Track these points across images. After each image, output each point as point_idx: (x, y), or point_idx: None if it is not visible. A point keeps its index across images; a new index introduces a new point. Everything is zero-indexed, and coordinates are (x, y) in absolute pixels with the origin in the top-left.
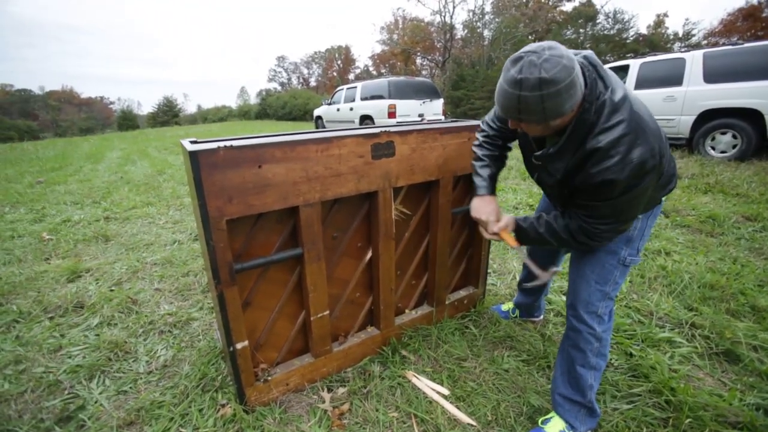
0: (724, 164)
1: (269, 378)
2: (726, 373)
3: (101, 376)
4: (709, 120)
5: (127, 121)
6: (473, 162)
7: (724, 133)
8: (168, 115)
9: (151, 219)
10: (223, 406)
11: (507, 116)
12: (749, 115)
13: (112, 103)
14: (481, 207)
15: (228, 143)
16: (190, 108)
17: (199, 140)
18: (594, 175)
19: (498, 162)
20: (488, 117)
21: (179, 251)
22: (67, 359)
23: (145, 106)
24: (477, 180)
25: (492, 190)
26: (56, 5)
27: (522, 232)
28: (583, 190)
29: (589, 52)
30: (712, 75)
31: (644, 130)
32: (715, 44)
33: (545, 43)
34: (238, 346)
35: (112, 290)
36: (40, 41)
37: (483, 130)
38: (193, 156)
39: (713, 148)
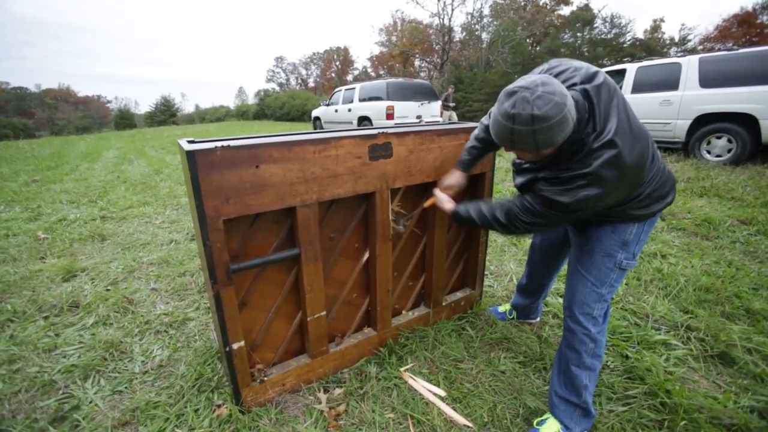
0: (719, 168)
1: (265, 378)
2: (721, 376)
3: (96, 376)
4: (705, 124)
5: (125, 120)
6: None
7: (719, 138)
8: (165, 114)
9: (147, 218)
10: (218, 406)
11: (501, 144)
12: (744, 119)
13: (109, 102)
14: (450, 177)
15: (225, 143)
16: (188, 108)
17: (196, 140)
18: (544, 191)
19: (485, 143)
20: (485, 119)
21: (176, 251)
22: (62, 359)
23: (143, 105)
24: (463, 153)
25: (463, 166)
26: (56, 4)
27: (455, 213)
28: (533, 192)
29: (593, 85)
30: (707, 80)
31: (607, 175)
32: (711, 49)
33: (539, 79)
34: (235, 346)
35: (107, 290)
36: (40, 40)
37: (481, 126)
38: (191, 156)
39: (709, 152)
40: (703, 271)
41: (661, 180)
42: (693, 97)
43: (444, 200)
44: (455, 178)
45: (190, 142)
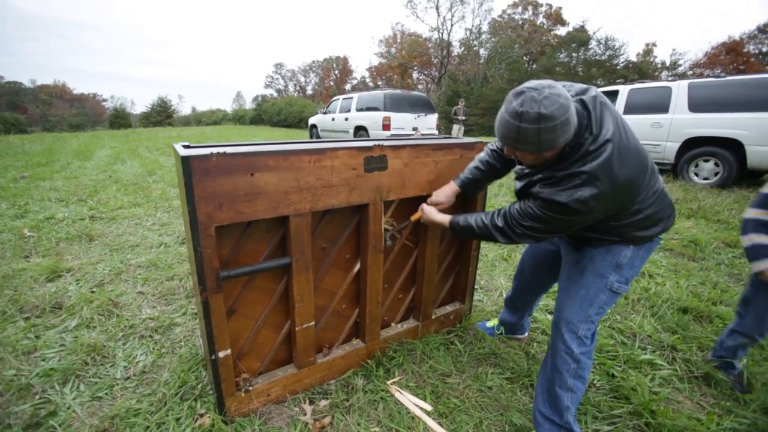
0: (706, 191)
1: (250, 388)
2: (705, 397)
3: (76, 381)
4: (693, 147)
5: (120, 119)
6: None
7: (707, 161)
8: (161, 115)
9: (138, 220)
10: (201, 415)
11: (505, 144)
12: (731, 144)
13: (105, 100)
14: (440, 192)
15: (221, 150)
16: (185, 109)
17: (192, 145)
18: (541, 192)
19: (493, 170)
20: (492, 144)
21: (165, 254)
22: (41, 362)
23: (139, 105)
24: (464, 171)
25: (462, 184)
26: (59, 2)
27: (453, 223)
28: (531, 196)
29: (588, 96)
30: (696, 104)
31: (602, 177)
32: (700, 75)
33: (545, 82)
34: (221, 354)
35: (93, 292)
36: (40, 35)
37: (487, 150)
38: (185, 161)
39: (696, 175)
40: (689, 292)
41: (663, 203)
42: (682, 120)
43: (434, 213)
44: (445, 194)
45: (185, 146)
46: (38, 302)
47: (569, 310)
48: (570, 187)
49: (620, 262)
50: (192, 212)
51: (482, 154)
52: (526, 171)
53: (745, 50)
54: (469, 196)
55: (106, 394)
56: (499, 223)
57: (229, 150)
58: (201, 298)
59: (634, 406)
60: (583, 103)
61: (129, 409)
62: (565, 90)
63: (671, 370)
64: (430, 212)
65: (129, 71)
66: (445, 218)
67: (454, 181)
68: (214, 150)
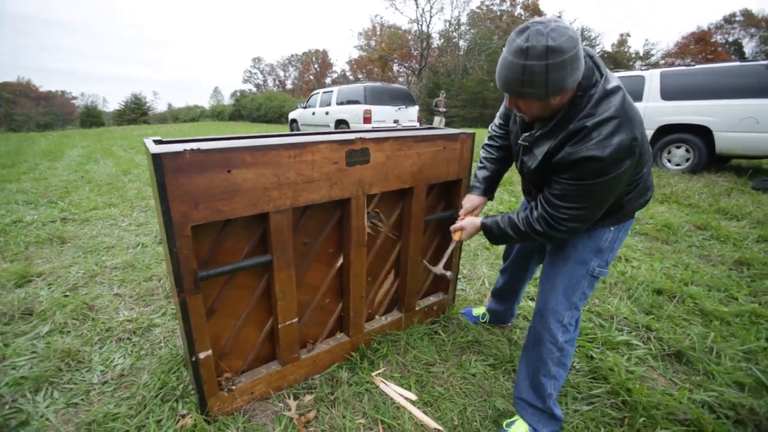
0: (678, 176)
1: (233, 387)
2: (677, 373)
3: (49, 388)
4: (666, 134)
5: (91, 117)
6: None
7: (678, 147)
8: (136, 113)
9: (113, 220)
10: (183, 416)
11: (508, 90)
12: (700, 131)
13: (74, 98)
14: (465, 200)
15: (195, 146)
16: (160, 107)
17: (164, 140)
18: (573, 153)
19: (497, 163)
20: (494, 121)
21: (142, 254)
22: (11, 370)
23: (112, 103)
24: (472, 180)
25: (482, 191)
26: None
27: (486, 229)
28: (561, 169)
29: (589, 48)
30: (668, 92)
31: (631, 119)
32: (671, 64)
33: (550, 17)
34: (201, 355)
35: (66, 296)
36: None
37: (489, 133)
38: (157, 159)
39: (669, 161)
40: (662, 274)
41: (650, 170)
42: (655, 108)
43: (474, 222)
44: (471, 200)
45: (156, 142)
46: (6, 309)
47: (554, 300)
48: (605, 136)
49: (601, 246)
50: (166, 212)
51: (483, 153)
52: (537, 134)
53: (713, 40)
54: (451, 185)
55: (82, 399)
56: (539, 228)
57: (203, 146)
58: (179, 299)
59: (611, 386)
60: (585, 50)
61: (107, 414)
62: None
63: (646, 349)
64: (472, 223)
65: (99, 69)
66: (477, 222)
67: (473, 193)
68: (188, 147)
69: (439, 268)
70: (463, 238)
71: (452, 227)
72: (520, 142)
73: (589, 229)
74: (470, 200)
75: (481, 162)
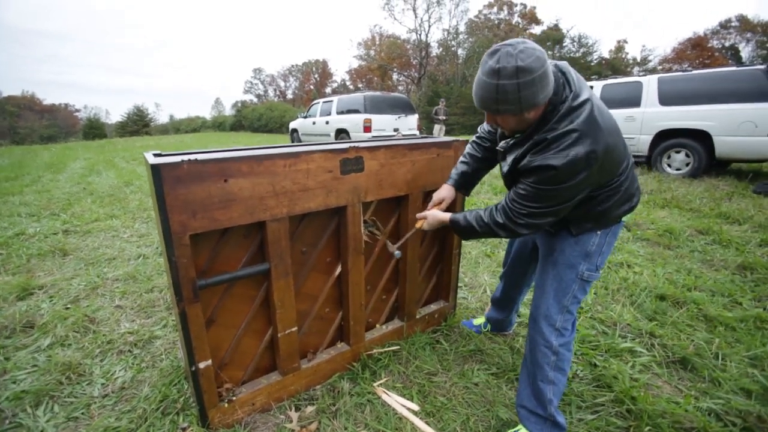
0: (679, 181)
1: (234, 398)
2: (682, 380)
3: (50, 402)
4: (665, 139)
5: (94, 129)
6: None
7: (678, 152)
8: (138, 124)
9: (114, 232)
10: (184, 429)
11: (485, 108)
12: (699, 135)
13: (78, 110)
14: (437, 191)
15: (192, 157)
16: (162, 118)
17: (163, 153)
18: (533, 161)
19: (478, 162)
20: (482, 124)
21: (144, 266)
22: (11, 384)
23: (114, 115)
24: (451, 172)
25: (454, 182)
26: (22, 8)
27: (453, 222)
28: (524, 174)
29: (561, 62)
30: (666, 98)
31: (592, 133)
32: (669, 69)
33: (518, 39)
34: (201, 365)
35: (67, 308)
36: (3, 44)
37: (478, 132)
38: (156, 170)
39: (669, 166)
40: (665, 280)
41: (634, 176)
42: (653, 113)
43: (437, 214)
44: (446, 190)
45: (156, 155)
46: (7, 322)
47: (545, 304)
48: (563, 147)
49: (589, 251)
50: (165, 222)
51: (466, 149)
52: (512, 142)
53: (710, 45)
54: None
55: (82, 413)
56: (500, 219)
57: (200, 157)
58: (178, 308)
59: (615, 394)
60: (557, 66)
61: (107, 428)
62: (539, 46)
63: (650, 356)
64: (433, 215)
65: (102, 81)
66: (445, 217)
67: (447, 183)
68: (185, 157)
69: (393, 248)
70: (425, 228)
71: (417, 215)
72: (497, 148)
73: (576, 234)
74: (440, 190)
75: (464, 157)
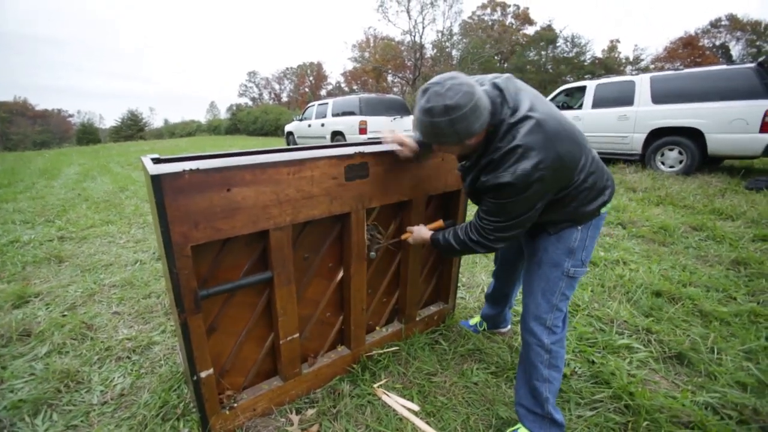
0: (672, 178)
1: (235, 405)
2: (679, 375)
3: (48, 411)
4: (658, 137)
5: (88, 135)
6: None
7: (671, 150)
8: (132, 129)
9: (111, 238)
10: None
11: (428, 141)
12: (692, 133)
13: (71, 116)
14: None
15: (194, 165)
16: (157, 122)
17: (162, 157)
18: (488, 180)
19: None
20: None
21: (141, 271)
22: (9, 393)
23: (108, 119)
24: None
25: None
26: (16, 14)
27: (434, 241)
28: (483, 192)
29: (502, 78)
30: (658, 96)
31: (536, 144)
32: (661, 68)
33: (447, 75)
34: (203, 374)
35: (64, 315)
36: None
37: None
38: (156, 180)
39: (663, 163)
40: (660, 276)
41: (602, 169)
42: (646, 112)
43: (422, 231)
44: (411, 140)
45: (155, 160)
46: (3, 331)
47: (534, 304)
48: (510, 164)
49: (572, 247)
50: (166, 233)
51: None
52: (466, 165)
53: (701, 44)
54: (451, 195)
55: (81, 421)
56: (473, 236)
57: (202, 165)
58: (179, 320)
59: (613, 390)
60: (495, 85)
61: None
62: (469, 79)
63: (647, 352)
64: (418, 231)
65: (95, 85)
66: (427, 235)
67: (414, 137)
68: (187, 166)
69: (372, 251)
70: (410, 242)
71: (408, 228)
72: (457, 170)
73: (556, 231)
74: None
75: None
